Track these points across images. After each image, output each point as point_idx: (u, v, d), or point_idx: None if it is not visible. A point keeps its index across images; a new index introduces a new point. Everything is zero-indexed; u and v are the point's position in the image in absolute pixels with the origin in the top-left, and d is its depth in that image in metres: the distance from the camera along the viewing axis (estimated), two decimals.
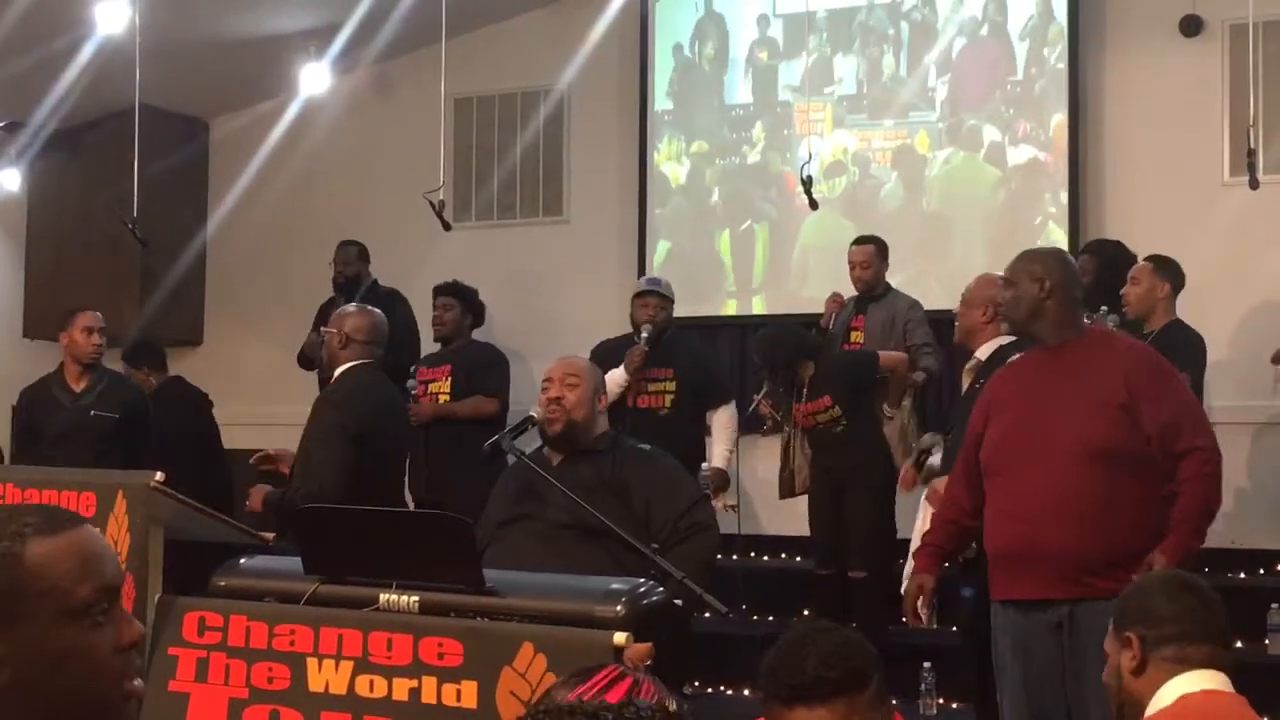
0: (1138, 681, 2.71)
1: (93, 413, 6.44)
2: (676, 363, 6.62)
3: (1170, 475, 3.94)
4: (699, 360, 6.89)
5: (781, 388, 6.55)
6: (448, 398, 6.96)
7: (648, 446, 4.32)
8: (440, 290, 7.29)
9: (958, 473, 4.31)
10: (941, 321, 6.93)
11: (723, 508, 6.75)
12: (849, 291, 7.04)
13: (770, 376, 6.58)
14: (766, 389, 6.63)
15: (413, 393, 6.95)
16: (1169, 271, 6.07)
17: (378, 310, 5.14)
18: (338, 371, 4.97)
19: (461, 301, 7.21)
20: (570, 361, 4.37)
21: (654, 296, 6.71)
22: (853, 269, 6.94)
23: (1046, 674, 3.99)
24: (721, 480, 6.60)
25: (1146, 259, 6.14)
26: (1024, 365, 4.29)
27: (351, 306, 5.20)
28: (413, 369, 7.15)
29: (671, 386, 6.59)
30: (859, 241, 7.03)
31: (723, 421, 6.68)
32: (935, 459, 5.79)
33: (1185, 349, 5.77)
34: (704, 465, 6.59)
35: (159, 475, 3.73)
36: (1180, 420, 3.97)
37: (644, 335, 6.57)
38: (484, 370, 7.08)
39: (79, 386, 6.51)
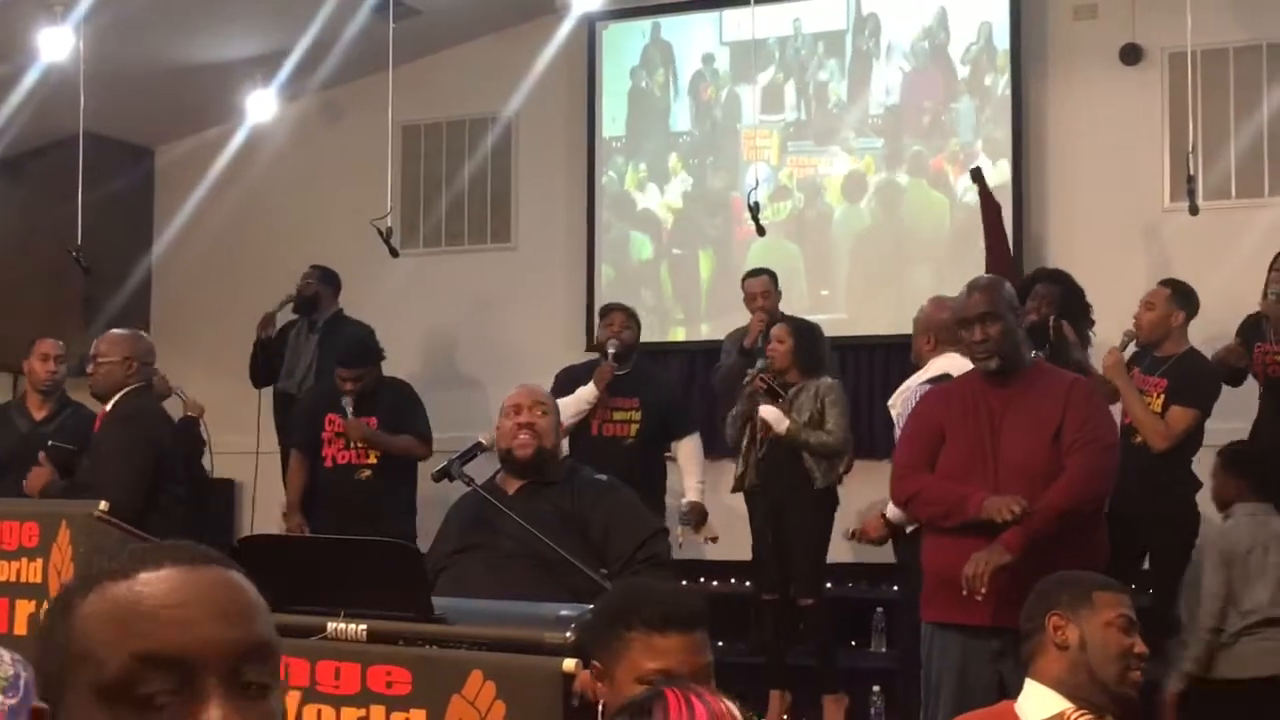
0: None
1: (50, 443, 6.39)
2: (643, 392, 6.57)
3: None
4: (665, 390, 6.86)
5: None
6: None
7: (605, 477, 4.30)
8: (348, 362, 6.53)
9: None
10: (890, 347, 6.95)
11: (705, 541, 6.72)
12: None
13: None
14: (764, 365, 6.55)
15: (347, 409, 6.44)
16: (1185, 299, 5.80)
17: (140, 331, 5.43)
18: (121, 394, 5.23)
19: (371, 364, 6.57)
20: (536, 389, 4.37)
21: (619, 313, 6.67)
22: (753, 300, 6.81)
23: (982, 702, 3.97)
24: (700, 514, 6.54)
25: (1163, 284, 5.92)
26: (966, 389, 4.28)
27: (123, 330, 5.45)
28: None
29: (637, 416, 6.53)
30: (753, 274, 6.93)
31: (690, 452, 6.62)
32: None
33: (1207, 379, 5.69)
34: (682, 500, 6.55)
35: (103, 505, 3.70)
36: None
37: (611, 352, 6.50)
38: (409, 412, 6.59)
39: (39, 415, 6.49)
